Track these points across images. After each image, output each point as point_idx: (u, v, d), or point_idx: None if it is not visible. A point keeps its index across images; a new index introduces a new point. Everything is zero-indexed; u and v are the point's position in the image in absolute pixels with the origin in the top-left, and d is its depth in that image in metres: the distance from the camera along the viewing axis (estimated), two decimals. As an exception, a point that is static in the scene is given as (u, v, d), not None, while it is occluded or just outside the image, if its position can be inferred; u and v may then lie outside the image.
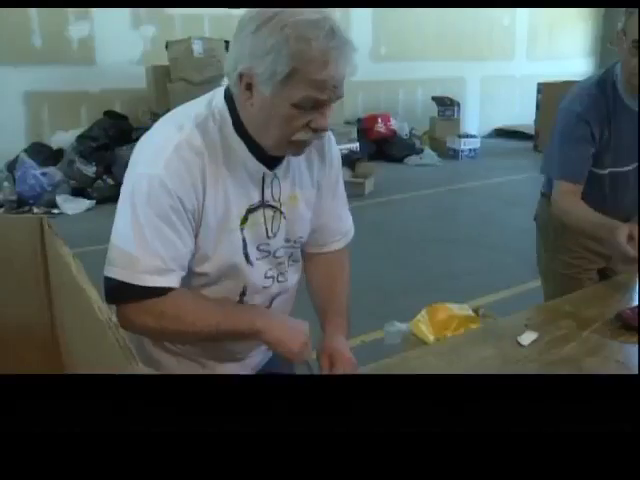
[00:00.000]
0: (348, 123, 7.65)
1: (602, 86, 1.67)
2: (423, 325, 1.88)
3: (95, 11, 6.18)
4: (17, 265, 1.08)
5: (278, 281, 1.20)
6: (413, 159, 7.63)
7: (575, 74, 10.14)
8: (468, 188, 6.37)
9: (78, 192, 5.61)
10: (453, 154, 8.01)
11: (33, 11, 5.90)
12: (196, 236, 1.07)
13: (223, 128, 1.06)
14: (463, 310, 2.08)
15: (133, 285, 1.01)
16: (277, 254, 1.18)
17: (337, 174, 1.28)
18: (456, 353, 1.43)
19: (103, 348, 0.65)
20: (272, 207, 1.15)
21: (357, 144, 7.29)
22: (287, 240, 1.19)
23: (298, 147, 1.07)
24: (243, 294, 1.16)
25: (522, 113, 9.63)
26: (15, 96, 5.95)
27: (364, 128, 7.82)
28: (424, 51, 8.80)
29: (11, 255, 1.07)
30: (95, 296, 0.73)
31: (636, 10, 1.51)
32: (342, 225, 1.33)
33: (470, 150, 8.07)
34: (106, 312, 0.69)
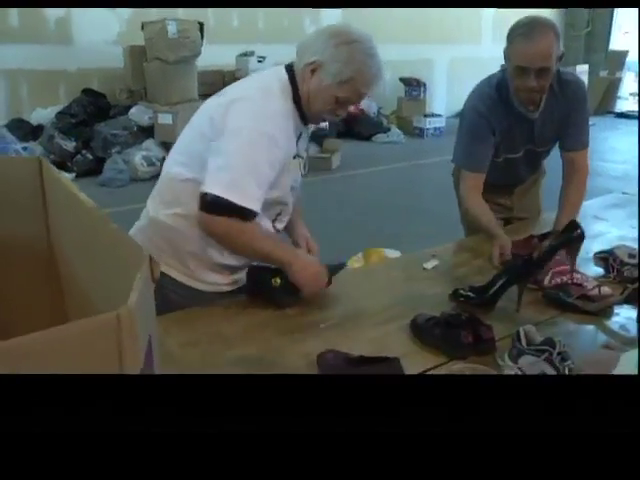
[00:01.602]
0: (318, 102, 7.97)
1: (499, 90, 1.95)
2: (357, 263, 2.23)
3: (72, -8, 6.39)
4: (19, 196, 1.38)
5: (290, 211, 1.66)
6: (380, 137, 7.98)
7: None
8: (430, 164, 6.74)
9: (58, 166, 5.85)
10: (419, 132, 8.39)
11: (10, -9, 6.09)
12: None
13: (288, 97, 1.50)
14: (395, 255, 2.44)
15: (237, 205, 1.40)
16: (297, 192, 1.66)
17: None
18: (371, 273, 1.79)
19: (98, 239, 0.93)
20: (300, 157, 1.60)
21: (326, 122, 7.63)
22: (297, 181, 1.64)
23: (320, 120, 1.63)
24: (279, 214, 1.61)
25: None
26: (-6, 74, 6.16)
27: (334, 107, 8.15)
28: (393, 34, 9.07)
29: (14, 188, 1.37)
30: (90, 201, 1.02)
31: (517, 39, 1.76)
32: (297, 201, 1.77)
33: (435, 129, 8.45)
34: (98, 209, 0.98)
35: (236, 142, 1.42)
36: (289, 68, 1.53)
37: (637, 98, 10.66)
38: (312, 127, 1.69)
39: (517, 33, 1.76)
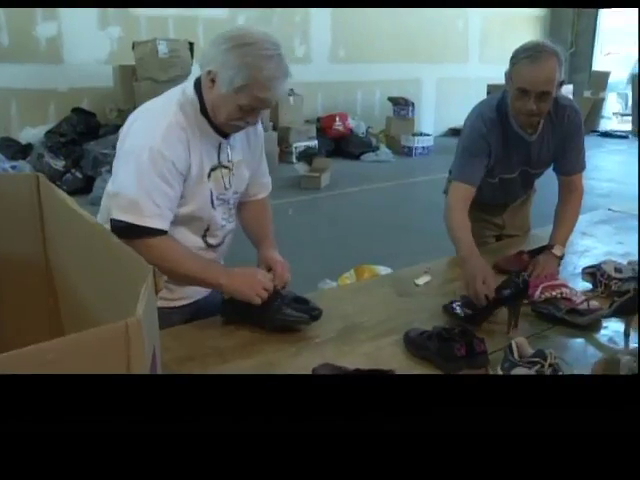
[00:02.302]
0: (308, 122, 8.04)
1: (499, 111, 1.98)
2: (348, 280, 2.25)
3: (62, 11, 6.43)
4: (17, 212, 1.39)
5: (228, 222, 1.63)
6: (369, 156, 8.03)
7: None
8: (419, 182, 6.80)
9: (47, 185, 5.84)
10: (407, 151, 8.45)
11: (0, 11, 6.12)
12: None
13: (195, 110, 1.47)
14: (387, 271, 2.46)
15: (139, 226, 1.38)
16: (230, 202, 1.61)
17: (262, 143, 1.73)
18: (364, 289, 1.81)
19: (95, 248, 0.95)
20: (225, 167, 1.56)
21: (316, 141, 7.70)
22: (235, 192, 1.62)
23: (235, 130, 1.52)
24: (207, 230, 1.57)
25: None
26: (-16, 93, 6.17)
27: (323, 127, 8.21)
28: (382, 53, 9.20)
29: (11, 204, 1.39)
30: (90, 217, 1.04)
31: (522, 62, 1.79)
32: (266, 180, 1.79)
33: (423, 148, 8.52)
34: (99, 224, 1.00)
35: (125, 164, 1.43)
36: (198, 80, 1.50)
37: (622, 116, 10.87)
38: (242, 134, 1.60)
39: (522, 56, 1.80)
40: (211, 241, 1.60)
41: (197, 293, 1.65)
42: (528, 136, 1.97)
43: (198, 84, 1.49)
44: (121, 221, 1.40)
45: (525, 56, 1.79)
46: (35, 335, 0.66)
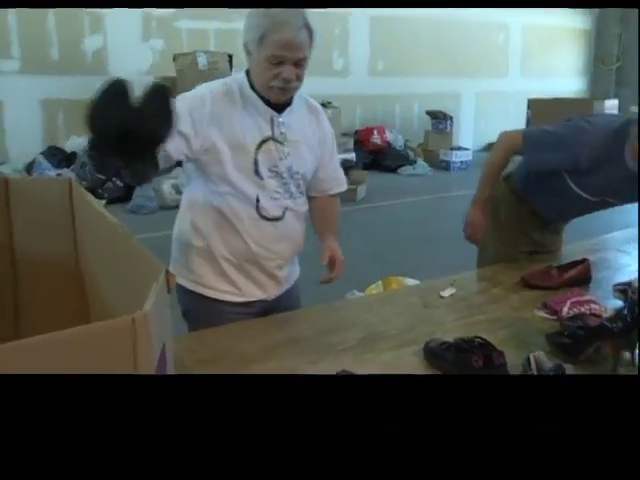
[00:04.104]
0: (345, 134, 8.07)
1: (615, 140, 1.87)
2: (375, 291, 2.25)
3: (109, 25, 6.64)
4: (50, 214, 1.45)
5: (284, 198, 1.64)
6: (406, 169, 8.03)
7: (568, 92, 10.56)
8: (454, 197, 6.75)
9: (89, 192, 6.00)
10: (445, 165, 8.42)
11: (52, 25, 6.36)
12: (209, 150, 1.53)
13: (242, 86, 1.57)
14: (414, 283, 2.45)
15: None
16: (284, 176, 1.62)
17: (332, 140, 1.78)
18: (389, 299, 1.82)
19: (120, 254, 0.98)
20: (279, 142, 1.60)
21: (353, 154, 7.72)
22: (290, 169, 1.63)
23: (278, 93, 1.54)
24: (258, 201, 1.60)
25: (515, 128, 9.95)
26: (33, 103, 6.41)
27: (360, 139, 8.25)
28: (421, 67, 9.21)
29: (46, 207, 1.45)
30: (113, 219, 1.08)
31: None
32: (339, 178, 1.83)
33: (462, 162, 8.48)
34: (121, 226, 1.03)
35: None
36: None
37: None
38: (302, 118, 1.66)
39: None
40: (265, 213, 1.61)
41: (265, 292, 1.69)
42: (635, 168, 1.85)
43: (248, 70, 1.59)
44: None
45: None
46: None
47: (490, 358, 1.26)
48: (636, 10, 9.09)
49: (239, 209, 1.59)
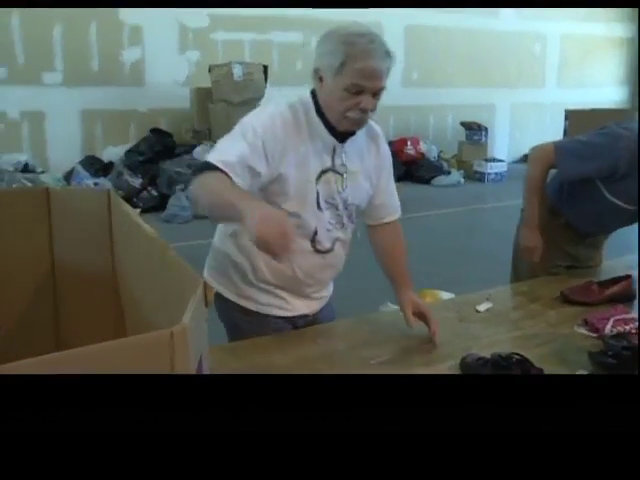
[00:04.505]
0: (378, 145, 8.06)
1: None
2: (410, 303, 2.21)
3: (146, 37, 6.78)
4: (89, 225, 1.47)
5: (336, 229, 1.60)
6: (439, 180, 7.97)
7: (607, 102, 10.36)
8: (489, 209, 6.68)
9: (125, 201, 6.09)
10: (479, 177, 8.33)
11: (93, 37, 6.52)
12: (276, 180, 1.46)
13: (308, 111, 1.50)
14: (450, 297, 2.42)
15: (208, 162, 1.41)
16: (339, 208, 1.57)
17: (389, 165, 1.70)
18: (423, 313, 1.79)
19: (158, 265, 0.99)
20: (339, 173, 1.54)
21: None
22: (345, 201, 1.58)
23: (353, 123, 1.48)
24: (316, 234, 1.55)
25: (552, 139, 9.80)
26: (73, 114, 6.56)
27: (394, 150, 8.18)
28: (455, 78, 9.15)
29: (85, 217, 1.47)
30: (150, 230, 1.08)
31: None
32: (395, 202, 1.74)
33: (496, 174, 8.37)
34: (159, 237, 1.04)
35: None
36: (312, 91, 1.53)
37: None
38: (362, 145, 1.59)
39: None
40: (319, 247, 1.57)
41: (308, 307, 1.67)
42: None
43: (313, 91, 1.52)
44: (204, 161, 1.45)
45: None
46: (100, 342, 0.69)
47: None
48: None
49: (295, 243, 1.46)
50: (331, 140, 1.51)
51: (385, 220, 1.73)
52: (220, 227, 1.66)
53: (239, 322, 1.64)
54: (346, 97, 1.42)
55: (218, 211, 1.41)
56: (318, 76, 1.46)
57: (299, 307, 1.64)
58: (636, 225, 2.03)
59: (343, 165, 1.54)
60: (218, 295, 1.62)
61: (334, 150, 1.52)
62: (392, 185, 1.73)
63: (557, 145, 2.04)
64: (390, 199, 1.72)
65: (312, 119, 1.50)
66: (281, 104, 1.52)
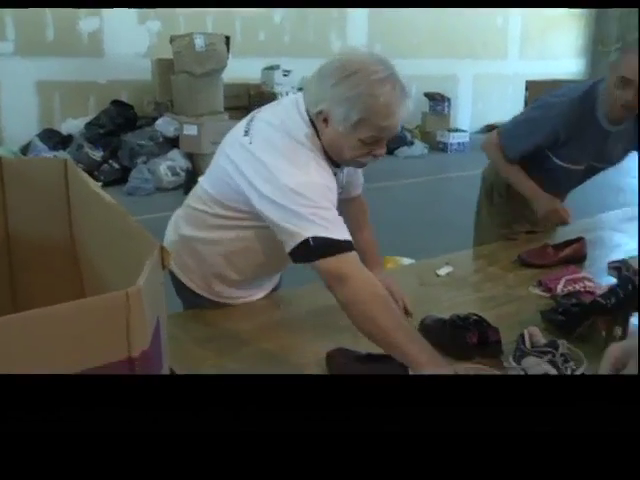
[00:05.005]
0: (342, 116, 8.04)
1: (584, 104, 1.94)
2: (372, 270, 2.25)
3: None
4: (46, 194, 1.44)
5: None
6: (403, 151, 8.00)
7: (567, 73, 10.50)
8: (452, 178, 6.76)
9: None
10: (442, 147, 8.40)
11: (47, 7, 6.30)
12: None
13: (314, 142, 1.32)
14: (410, 262, 2.46)
15: (338, 239, 1.20)
16: None
17: None
18: (384, 279, 1.81)
19: (116, 232, 0.98)
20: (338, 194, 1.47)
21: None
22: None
23: (362, 165, 1.42)
24: None
25: (514, 110, 9.86)
26: (29, 85, 6.35)
27: (358, 121, 8.22)
28: (418, 49, 9.14)
29: (41, 187, 1.44)
30: (109, 198, 1.07)
31: (632, 50, 1.79)
32: (359, 177, 1.73)
33: (459, 144, 8.46)
34: (117, 205, 1.03)
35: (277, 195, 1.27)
36: (308, 112, 1.35)
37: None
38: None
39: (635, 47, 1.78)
40: None
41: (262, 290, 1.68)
42: (612, 127, 1.95)
43: (311, 118, 1.33)
44: (314, 238, 1.21)
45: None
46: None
47: (485, 334, 1.27)
48: None
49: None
50: (332, 169, 1.37)
51: (352, 195, 1.74)
52: (212, 238, 1.49)
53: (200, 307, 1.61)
54: (361, 147, 1.29)
55: (384, 345, 1.21)
56: (323, 117, 1.29)
57: (261, 293, 1.68)
58: (584, 185, 2.12)
59: (342, 187, 1.50)
60: (182, 285, 1.58)
61: (336, 176, 1.40)
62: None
63: (499, 131, 2.16)
64: (360, 178, 1.75)
65: (317, 151, 1.33)
66: (302, 140, 1.31)
